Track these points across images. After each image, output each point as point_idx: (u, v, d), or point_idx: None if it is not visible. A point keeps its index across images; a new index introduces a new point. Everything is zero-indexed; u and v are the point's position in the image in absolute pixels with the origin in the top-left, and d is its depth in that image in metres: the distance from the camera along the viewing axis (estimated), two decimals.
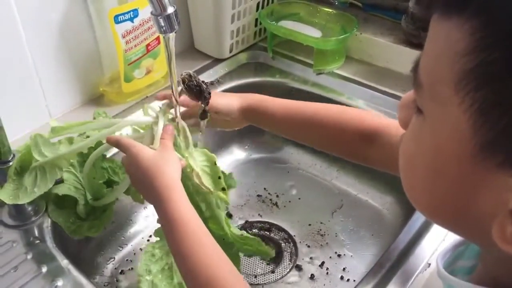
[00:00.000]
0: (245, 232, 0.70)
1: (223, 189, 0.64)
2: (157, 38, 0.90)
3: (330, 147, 0.71)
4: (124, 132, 0.73)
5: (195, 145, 0.68)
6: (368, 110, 0.69)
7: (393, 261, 0.67)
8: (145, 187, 0.59)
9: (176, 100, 0.65)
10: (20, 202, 0.68)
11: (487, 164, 0.30)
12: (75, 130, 0.70)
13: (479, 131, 0.30)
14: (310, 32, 1.00)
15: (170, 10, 0.57)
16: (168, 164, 0.58)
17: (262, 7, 1.06)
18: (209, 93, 0.63)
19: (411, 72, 0.36)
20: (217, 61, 1.05)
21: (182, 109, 0.69)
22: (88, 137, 0.70)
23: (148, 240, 0.88)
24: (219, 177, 0.64)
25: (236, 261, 0.72)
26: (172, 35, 0.59)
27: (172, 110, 0.66)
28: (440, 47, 0.32)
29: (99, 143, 0.69)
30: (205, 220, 0.67)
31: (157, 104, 0.69)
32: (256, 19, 1.06)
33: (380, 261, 0.68)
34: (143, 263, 0.65)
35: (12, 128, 0.80)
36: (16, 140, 0.82)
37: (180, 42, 1.06)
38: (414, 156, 0.37)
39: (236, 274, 0.53)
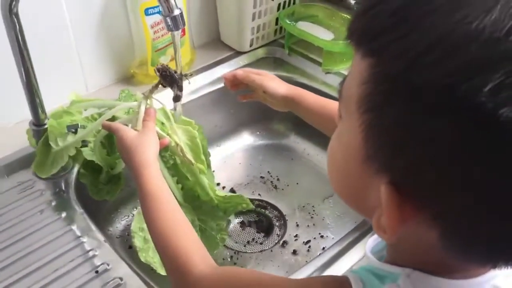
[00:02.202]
0: (227, 193, 0.82)
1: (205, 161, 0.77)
2: (183, 30, 1.03)
3: None
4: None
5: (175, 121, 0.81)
6: None
7: (364, 230, 0.79)
8: (127, 164, 0.71)
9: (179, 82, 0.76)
10: (43, 176, 0.84)
11: (370, 170, 0.38)
12: (86, 105, 0.84)
13: (365, 144, 0.38)
14: (322, 34, 1.10)
15: (177, 12, 0.69)
16: (145, 144, 0.69)
17: (284, 8, 1.16)
18: (181, 82, 0.74)
19: (340, 84, 0.45)
20: (238, 53, 1.17)
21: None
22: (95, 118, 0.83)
23: None
24: (200, 151, 0.76)
25: (222, 222, 0.84)
26: (177, 33, 0.71)
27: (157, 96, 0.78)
28: (354, 71, 0.39)
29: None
30: (192, 187, 0.80)
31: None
32: (277, 18, 1.16)
33: (354, 230, 0.80)
34: (136, 222, 0.78)
35: (54, 98, 0.95)
36: (56, 107, 0.97)
37: (208, 34, 1.19)
38: (334, 151, 0.46)
39: (194, 237, 0.62)
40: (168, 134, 0.77)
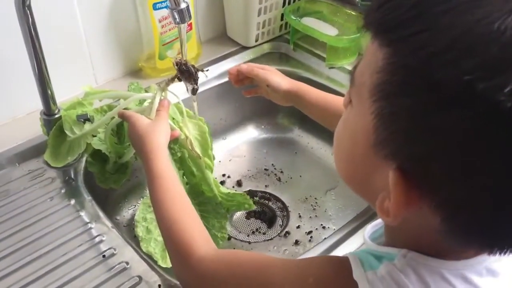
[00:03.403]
0: (231, 190, 0.84)
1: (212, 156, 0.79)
2: (189, 25, 1.05)
3: None
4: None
5: (191, 116, 0.84)
6: None
7: (363, 220, 0.81)
8: (138, 149, 0.73)
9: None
10: (58, 165, 0.87)
11: (379, 155, 0.40)
12: (100, 96, 0.86)
13: (376, 130, 0.39)
14: (327, 30, 1.12)
15: (183, 5, 0.71)
16: (156, 131, 0.71)
17: (289, 3, 1.18)
18: (198, 76, 0.76)
19: (351, 70, 0.46)
20: (244, 48, 1.19)
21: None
22: (105, 110, 0.86)
23: None
24: (208, 146, 0.78)
25: (223, 221, 0.87)
26: (183, 26, 0.73)
27: (172, 88, 0.80)
28: (369, 59, 0.39)
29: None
30: (197, 182, 0.82)
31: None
32: (282, 14, 1.18)
33: (353, 220, 0.82)
34: (140, 212, 0.80)
35: (64, 90, 0.98)
36: (67, 99, 1.00)
37: (214, 29, 1.21)
38: (341, 135, 0.47)
39: (197, 220, 0.64)
40: (179, 127, 0.80)
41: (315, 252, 0.76)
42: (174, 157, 0.81)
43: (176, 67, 0.76)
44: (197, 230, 0.62)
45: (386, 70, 0.36)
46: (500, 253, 0.38)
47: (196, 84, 0.76)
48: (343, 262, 0.46)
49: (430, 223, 0.38)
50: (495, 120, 0.31)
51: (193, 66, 0.75)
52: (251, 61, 1.17)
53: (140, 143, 0.71)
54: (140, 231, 0.79)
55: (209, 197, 0.84)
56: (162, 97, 0.78)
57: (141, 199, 1.04)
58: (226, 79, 1.11)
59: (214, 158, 0.90)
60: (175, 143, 0.81)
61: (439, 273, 0.41)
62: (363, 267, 0.44)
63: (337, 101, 0.81)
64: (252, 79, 0.87)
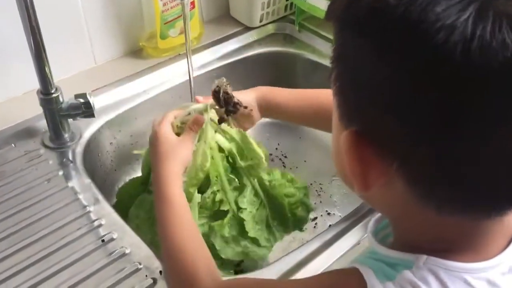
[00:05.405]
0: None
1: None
2: (192, 3, 1.02)
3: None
4: None
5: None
6: None
7: (368, 208, 0.78)
8: (154, 166, 0.71)
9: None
10: None
11: (343, 129, 0.39)
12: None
13: (337, 105, 0.40)
14: None
15: None
16: (177, 156, 0.70)
17: None
18: (234, 106, 0.73)
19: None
20: (248, 29, 1.15)
21: None
22: None
23: None
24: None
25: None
26: (186, 1, 0.70)
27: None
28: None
29: None
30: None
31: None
32: None
33: (360, 207, 0.79)
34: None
35: (62, 68, 0.95)
36: (65, 79, 0.97)
37: (217, 9, 1.18)
38: (334, 128, 0.46)
39: (204, 249, 0.63)
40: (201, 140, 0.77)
41: (320, 240, 0.74)
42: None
43: (215, 95, 0.73)
44: (203, 260, 0.61)
45: (337, 43, 0.38)
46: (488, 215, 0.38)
47: (227, 114, 0.74)
48: (351, 276, 0.42)
49: (403, 196, 0.38)
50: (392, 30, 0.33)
51: (233, 96, 0.73)
52: (255, 42, 1.14)
53: (159, 164, 0.70)
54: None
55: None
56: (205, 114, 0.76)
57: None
58: (229, 60, 1.10)
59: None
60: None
61: (461, 278, 0.39)
62: (377, 278, 0.41)
63: (313, 97, 0.79)
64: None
